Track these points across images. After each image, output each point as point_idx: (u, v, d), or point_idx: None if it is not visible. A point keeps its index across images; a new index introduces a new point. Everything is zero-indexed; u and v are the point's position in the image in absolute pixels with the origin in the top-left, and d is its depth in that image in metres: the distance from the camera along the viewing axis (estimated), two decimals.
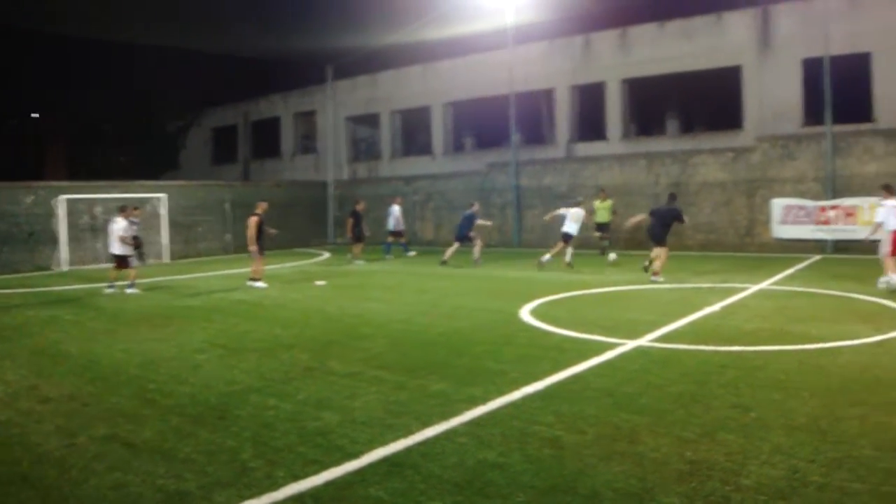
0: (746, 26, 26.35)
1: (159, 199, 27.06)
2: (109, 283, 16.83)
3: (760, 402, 6.54)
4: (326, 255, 28.01)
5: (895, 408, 6.33)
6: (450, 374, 7.98)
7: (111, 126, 45.02)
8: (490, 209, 30.11)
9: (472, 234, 21.88)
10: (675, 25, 27.86)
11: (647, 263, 17.07)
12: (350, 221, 24.22)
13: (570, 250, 19.97)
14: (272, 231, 17.62)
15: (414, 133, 36.90)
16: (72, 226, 24.70)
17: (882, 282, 14.13)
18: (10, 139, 46.80)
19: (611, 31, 29.22)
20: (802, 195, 22.99)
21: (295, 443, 5.81)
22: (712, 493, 4.66)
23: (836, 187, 22.72)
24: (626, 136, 28.90)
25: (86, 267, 23.96)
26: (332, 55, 35.22)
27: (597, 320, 11.18)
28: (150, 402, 7.22)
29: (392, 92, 35.51)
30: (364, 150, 38.86)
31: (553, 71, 30.10)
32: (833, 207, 22.33)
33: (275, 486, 4.95)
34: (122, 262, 16.84)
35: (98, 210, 25.41)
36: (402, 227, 26.51)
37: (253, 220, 17.09)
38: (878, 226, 14.60)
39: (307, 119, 39.87)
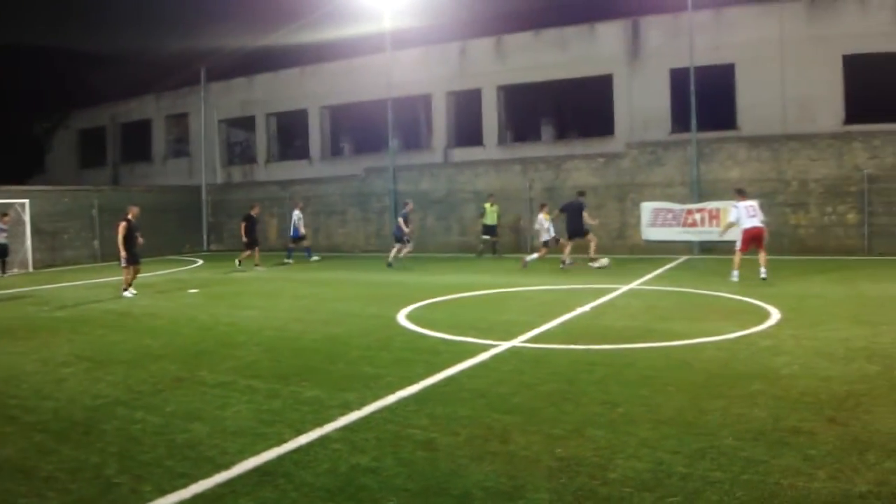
0: (617, 37, 27.23)
1: (22, 204, 25.67)
2: None
3: (628, 398, 6.72)
4: (200, 262, 27.23)
5: (755, 400, 6.60)
6: (324, 380, 7.86)
7: None
8: (368, 214, 30.07)
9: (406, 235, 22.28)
10: (549, 34, 28.51)
11: (564, 263, 19.82)
12: (244, 226, 23.28)
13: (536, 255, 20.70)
14: (139, 240, 16.77)
15: (291, 137, 36.43)
16: None
17: (734, 275, 15.81)
18: None
19: (487, 38, 29.65)
20: (670, 199, 23.92)
21: (163, 456, 5.57)
22: (580, 487, 4.72)
23: (701, 191, 23.74)
24: (501, 141, 29.37)
25: None
26: (206, 56, 34.40)
27: (473, 322, 11.27)
28: (11, 418, 6.79)
29: (268, 94, 34.92)
30: (239, 153, 38.07)
31: (430, 77, 30.29)
32: (699, 210, 23.30)
33: (141, 501, 4.73)
34: None
35: None
36: (302, 231, 25.83)
37: (120, 226, 16.36)
38: (731, 225, 16.50)
39: (180, 121, 38.68)
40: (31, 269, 25.32)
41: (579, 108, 30.99)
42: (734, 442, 5.49)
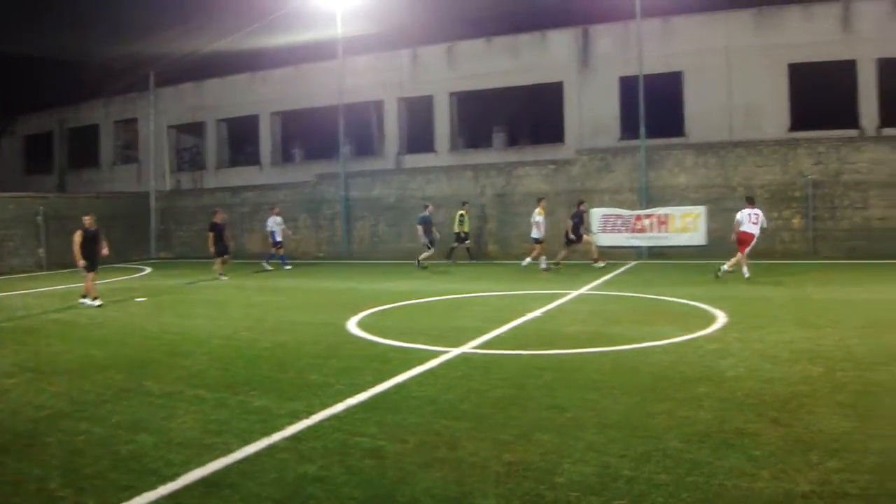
0: (568, 45, 27.48)
1: None
2: None
3: (576, 403, 6.75)
4: (148, 270, 26.78)
5: (700, 402, 6.69)
6: (273, 389, 7.78)
7: None
8: (319, 220, 29.90)
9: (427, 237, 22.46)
10: (501, 42, 28.67)
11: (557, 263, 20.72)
12: (211, 236, 21.56)
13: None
14: (104, 249, 16.28)
15: (241, 143, 36.03)
16: None
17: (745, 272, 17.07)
18: None
19: (439, 45, 29.70)
20: (619, 205, 24.19)
21: (107, 468, 5.45)
22: (528, 492, 4.73)
23: (650, 197, 24.03)
24: (453, 148, 29.44)
25: None
26: (156, 60, 33.81)
27: (423, 329, 11.25)
28: None
29: (218, 100, 34.53)
30: (188, 160, 37.53)
31: (382, 83, 30.25)
32: (647, 216, 23.60)
33: None
34: None
35: None
36: (280, 238, 25.18)
37: (76, 234, 16.02)
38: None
39: (128, 127, 38.05)
40: None
41: (530, 115, 31.20)
42: (680, 444, 5.56)
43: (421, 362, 8.67)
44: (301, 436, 6.10)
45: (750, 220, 17.25)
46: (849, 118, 25.25)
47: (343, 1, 27.32)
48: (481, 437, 5.86)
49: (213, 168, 35.08)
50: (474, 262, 24.78)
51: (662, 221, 23.53)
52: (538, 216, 20.59)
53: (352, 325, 11.83)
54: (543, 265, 20.53)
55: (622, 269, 20.67)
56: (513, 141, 30.23)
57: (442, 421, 6.32)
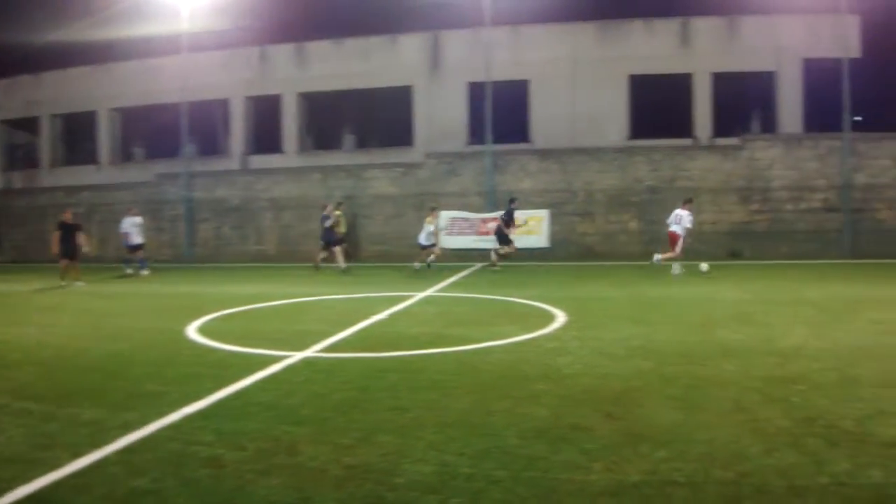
0: (418, 49, 27.72)
1: None
2: None
3: (418, 403, 6.76)
4: None
5: (538, 399, 6.84)
6: (105, 399, 7.36)
7: None
8: (161, 223, 28.78)
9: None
10: (351, 44, 28.59)
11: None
12: (56, 235, 19.73)
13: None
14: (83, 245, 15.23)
15: (78, 140, 34.24)
16: None
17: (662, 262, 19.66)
18: None
19: (288, 44, 29.27)
20: (466, 208, 24.57)
21: None
22: (368, 494, 4.69)
23: (496, 201, 24.53)
24: (302, 149, 29.11)
25: None
26: None
27: (267, 333, 11.00)
28: None
29: (55, 94, 32.67)
30: (21, 157, 35.31)
31: (229, 81, 29.55)
32: (493, 219, 24.03)
33: None
34: None
35: None
36: (139, 240, 23.45)
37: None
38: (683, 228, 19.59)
39: None
40: None
41: (380, 118, 31.29)
42: (517, 440, 5.65)
43: (262, 367, 8.45)
44: (134, 448, 5.80)
45: (674, 221, 19.48)
46: (684, 128, 26.75)
47: None
48: (322, 441, 5.77)
49: (47, 166, 33.16)
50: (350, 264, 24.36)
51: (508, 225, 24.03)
52: (429, 225, 20.76)
53: (192, 331, 11.41)
54: (417, 266, 20.69)
55: (468, 271, 20.99)
56: (362, 143, 30.22)
57: (282, 426, 6.18)
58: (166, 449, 5.72)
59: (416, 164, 26.14)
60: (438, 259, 20.72)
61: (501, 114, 25.44)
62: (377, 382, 7.65)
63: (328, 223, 21.31)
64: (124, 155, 32.78)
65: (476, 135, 26.66)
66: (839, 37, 24.70)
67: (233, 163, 29.83)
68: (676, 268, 19.18)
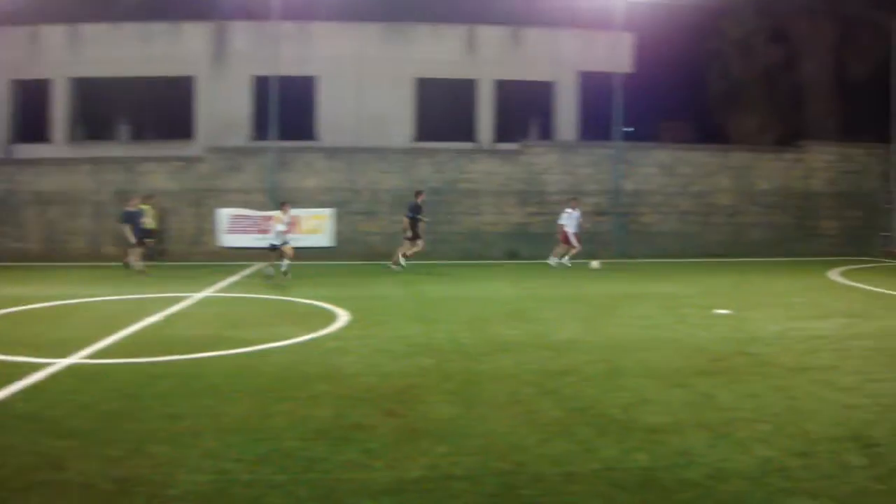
0: (203, 38, 26.73)
1: None
2: None
3: (194, 410, 6.50)
4: None
5: (319, 400, 6.80)
6: None
7: None
8: None
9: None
10: (131, 28, 27.04)
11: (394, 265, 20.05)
12: None
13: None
14: None
15: None
16: None
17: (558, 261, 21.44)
18: None
19: (60, 25, 27.18)
20: (248, 205, 23.92)
21: None
22: None
23: (279, 199, 24.05)
24: (72, 139, 27.18)
25: None
26: None
27: (27, 339, 10.08)
28: None
29: None
30: None
31: None
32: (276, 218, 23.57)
33: None
34: None
35: None
36: None
37: None
38: (561, 227, 21.72)
39: None
40: None
41: (159, 109, 29.73)
42: (298, 443, 5.58)
43: (22, 376, 7.76)
44: None
45: (565, 219, 21.51)
46: (468, 132, 27.59)
47: None
48: (89, 454, 5.39)
49: None
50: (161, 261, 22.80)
51: (291, 223, 23.68)
52: (278, 224, 18.51)
53: None
54: (270, 272, 18.45)
55: (249, 270, 20.45)
56: (138, 135, 28.62)
57: (46, 440, 5.70)
58: None
59: (196, 159, 25.09)
60: (291, 259, 18.41)
61: (287, 110, 25.02)
62: (149, 389, 7.26)
63: (136, 219, 19.67)
64: None
65: (261, 130, 26.04)
66: (613, 52, 26.39)
67: None
68: (594, 263, 21.03)
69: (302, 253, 23.32)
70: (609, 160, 26.02)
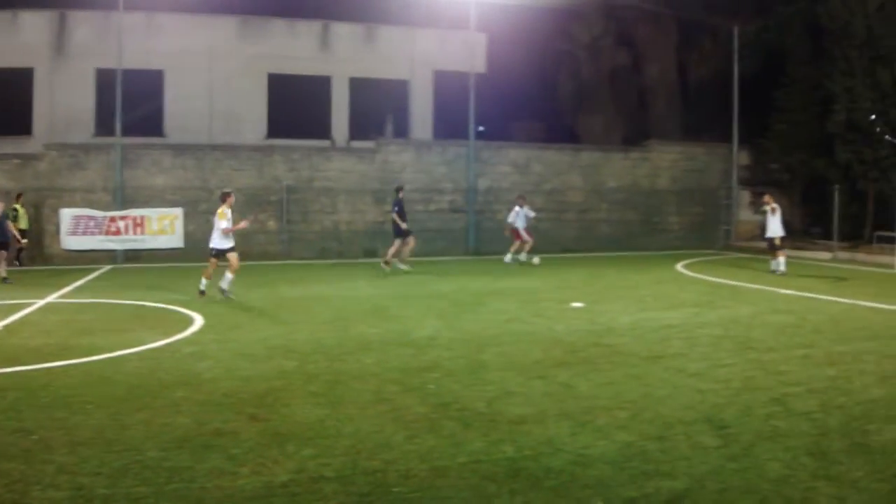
0: (42, 28, 25.33)
1: None
2: None
3: (44, 423, 6.13)
4: None
5: (178, 407, 6.58)
6: None
7: None
8: None
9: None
10: None
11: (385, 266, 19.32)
12: None
13: None
14: None
15: None
16: None
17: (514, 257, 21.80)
18: None
19: None
20: (92, 205, 22.82)
21: None
22: None
23: (125, 198, 23.11)
24: None
25: None
26: None
27: None
28: None
29: None
30: None
31: None
32: (122, 218, 22.68)
33: None
34: None
35: None
36: None
37: None
38: (509, 225, 22.01)
39: None
40: None
41: None
42: (158, 453, 5.39)
43: None
44: None
45: (514, 216, 21.83)
46: (323, 130, 27.36)
47: None
48: None
49: None
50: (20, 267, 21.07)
51: (138, 223, 22.84)
52: (222, 220, 14.37)
53: None
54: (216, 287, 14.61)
55: (95, 274, 19.52)
56: None
57: None
58: None
59: (34, 156, 23.64)
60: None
61: (134, 104, 23.92)
62: None
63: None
64: None
65: (105, 125, 24.82)
66: (467, 52, 26.76)
67: None
68: (535, 259, 21.59)
69: (150, 254, 22.61)
70: (463, 159, 26.42)
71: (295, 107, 27.43)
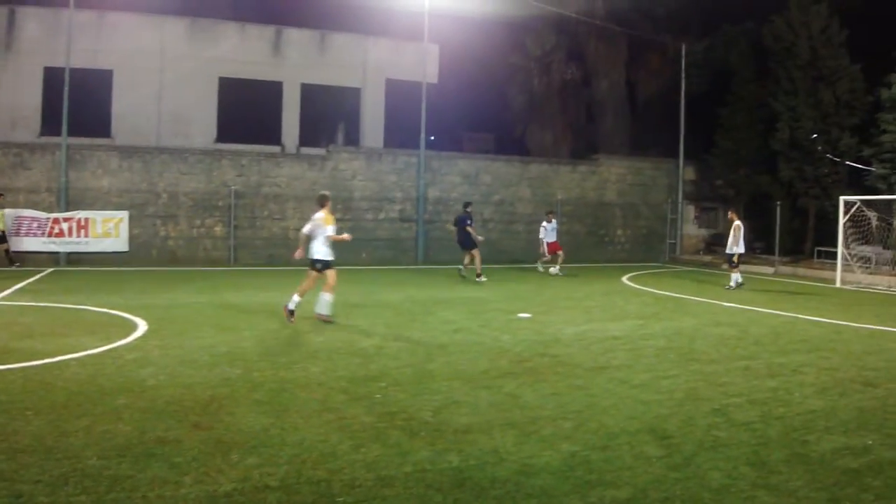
0: None
1: None
2: None
3: None
4: None
5: (120, 414, 6.46)
6: None
7: None
8: None
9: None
10: None
11: (463, 271, 20.35)
12: None
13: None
14: None
15: None
16: None
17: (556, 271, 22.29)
18: None
19: None
20: (35, 206, 22.37)
21: None
22: None
23: (70, 199, 22.67)
24: None
25: None
26: None
27: None
28: None
29: None
30: None
31: None
32: (66, 220, 22.27)
33: None
34: None
35: None
36: None
37: None
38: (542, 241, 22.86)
39: None
40: None
41: None
42: (99, 461, 5.29)
43: None
44: None
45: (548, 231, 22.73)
46: (273, 135, 27.19)
47: None
48: None
49: None
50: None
51: (82, 226, 22.44)
52: (328, 226, 12.30)
53: None
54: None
55: (37, 276, 19.10)
56: None
57: None
58: None
59: None
60: None
61: (81, 104, 23.49)
62: None
63: None
64: None
65: (50, 125, 24.30)
66: (420, 62, 26.81)
67: None
68: (553, 269, 22.33)
69: (94, 258, 22.19)
70: (413, 168, 26.47)
71: (245, 111, 27.21)
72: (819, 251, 26.99)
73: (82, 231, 22.41)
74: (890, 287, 20.42)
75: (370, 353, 9.57)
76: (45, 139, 24.04)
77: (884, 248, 22.71)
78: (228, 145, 25.76)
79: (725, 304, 15.81)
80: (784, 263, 25.29)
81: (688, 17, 32.99)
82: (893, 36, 23.56)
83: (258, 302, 14.91)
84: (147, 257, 23.16)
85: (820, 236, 26.98)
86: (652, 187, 30.58)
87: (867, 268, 22.06)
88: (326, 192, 13.12)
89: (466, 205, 21.41)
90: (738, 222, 19.43)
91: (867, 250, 22.34)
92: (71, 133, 22.72)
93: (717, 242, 31.22)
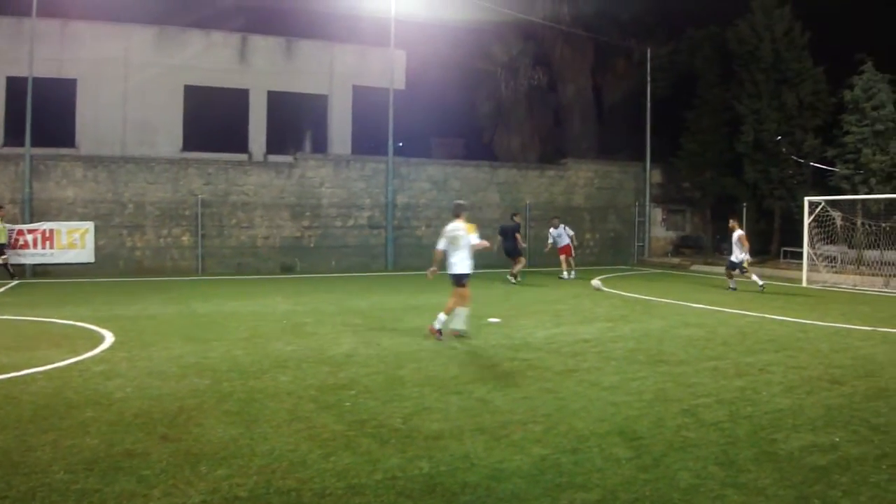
0: None
1: None
2: None
3: None
4: None
5: (87, 428, 6.37)
6: None
7: None
8: None
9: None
10: None
11: (513, 279, 21.17)
12: None
13: None
14: None
15: None
16: None
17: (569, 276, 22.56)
18: None
19: None
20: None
21: None
22: None
23: (34, 211, 22.37)
24: None
25: None
26: None
27: None
28: None
29: None
30: None
31: None
32: (31, 231, 21.98)
33: None
34: None
35: None
36: None
37: None
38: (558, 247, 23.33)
39: None
40: None
41: None
42: (66, 475, 5.22)
43: None
44: None
45: (560, 235, 23.29)
46: (240, 143, 27.03)
47: None
48: None
49: None
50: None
51: (47, 237, 22.15)
52: (472, 234, 12.61)
53: None
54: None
55: (2, 289, 18.84)
56: None
57: None
58: None
59: None
60: None
61: (45, 114, 23.19)
62: None
63: None
64: None
65: (13, 135, 23.97)
66: (386, 68, 26.81)
67: None
68: (565, 274, 22.72)
69: (59, 269, 21.91)
70: (382, 174, 26.45)
71: (211, 119, 27.04)
72: (785, 251, 27.35)
73: (47, 243, 22.13)
74: (855, 285, 20.74)
75: (340, 361, 9.52)
76: (7, 150, 23.71)
77: (849, 247, 23.05)
78: (195, 154, 25.58)
79: (693, 305, 15.98)
80: (751, 264, 25.55)
81: (653, 21, 33.35)
82: (856, 38, 23.97)
83: (227, 311, 14.79)
84: (114, 268, 22.91)
85: (786, 237, 27.34)
86: (619, 191, 30.81)
87: (833, 267, 22.37)
88: (463, 202, 13.05)
89: (514, 215, 22.84)
90: (740, 231, 19.58)
91: (832, 250, 22.65)
92: (34, 143, 22.42)
93: (684, 244, 31.54)
